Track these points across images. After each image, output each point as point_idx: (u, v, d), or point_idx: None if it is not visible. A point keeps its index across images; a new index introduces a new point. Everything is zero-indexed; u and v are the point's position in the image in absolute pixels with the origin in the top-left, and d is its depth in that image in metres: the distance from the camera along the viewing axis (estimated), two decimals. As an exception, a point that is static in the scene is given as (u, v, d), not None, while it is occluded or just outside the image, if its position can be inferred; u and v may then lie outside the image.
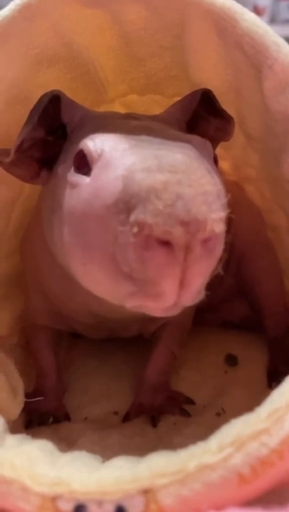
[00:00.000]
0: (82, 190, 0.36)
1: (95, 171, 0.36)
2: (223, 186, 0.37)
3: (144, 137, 0.37)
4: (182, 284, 0.33)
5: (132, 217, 0.32)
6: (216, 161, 0.41)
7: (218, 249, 0.34)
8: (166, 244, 0.31)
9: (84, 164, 0.37)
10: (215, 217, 0.32)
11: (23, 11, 0.41)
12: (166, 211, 0.31)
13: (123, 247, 0.32)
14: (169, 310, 0.35)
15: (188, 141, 0.37)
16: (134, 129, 0.38)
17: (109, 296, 0.36)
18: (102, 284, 0.36)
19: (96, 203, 0.35)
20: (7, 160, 0.41)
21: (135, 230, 0.31)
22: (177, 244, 0.31)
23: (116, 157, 0.35)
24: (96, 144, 0.37)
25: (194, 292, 0.34)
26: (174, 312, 0.35)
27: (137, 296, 0.34)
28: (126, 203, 0.32)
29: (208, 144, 0.40)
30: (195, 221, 0.31)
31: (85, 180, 0.37)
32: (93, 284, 0.37)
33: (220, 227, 0.32)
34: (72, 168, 0.38)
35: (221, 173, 0.60)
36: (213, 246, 0.33)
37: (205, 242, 0.32)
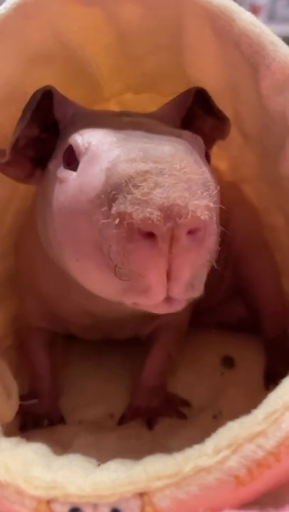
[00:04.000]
0: (69, 185, 0.37)
1: (81, 165, 0.36)
2: (214, 180, 0.36)
3: (133, 132, 0.37)
4: (170, 276, 0.32)
5: (114, 209, 0.32)
6: (208, 158, 0.41)
7: (209, 240, 0.33)
8: (149, 236, 0.31)
9: (73, 159, 0.37)
10: (199, 203, 0.31)
11: (19, 9, 0.41)
12: (143, 198, 0.31)
13: (107, 240, 0.32)
14: (166, 306, 0.34)
15: (178, 136, 0.37)
16: (125, 124, 0.38)
17: (104, 293, 0.36)
18: (96, 280, 0.36)
19: (81, 198, 0.35)
20: (3, 160, 0.41)
21: (117, 221, 0.31)
22: (160, 235, 0.30)
23: (102, 150, 0.35)
24: (84, 138, 0.37)
25: (184, 285, 0.33)
26: (174, 309, 0.35)
27: (128, 292, 0.33)
28: (108, 195, 0.32)
29: (200, 139, 0.40)
30: (175, 206, 0.30)
31: (72, 175, 0.37)
32: (87, 281, 0.37)
33: (206, 215, 0.31)
34: (62, 164, 0.38)
35: (217, 172, 0.60)
36: (201, 237, 0.32)
37: (192, 232, 0.31)
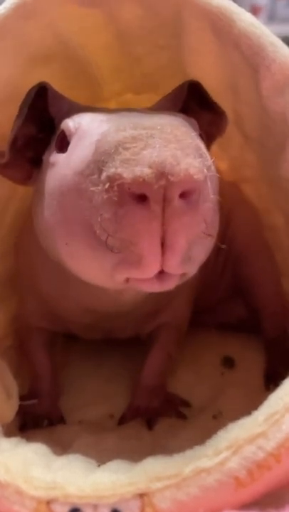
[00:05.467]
0: (60, 166, 0.36)
1: (71, 144, 0.36)
2: (209, 156, 0.35)
3: (125, 113, 0.37)
4: (165, 246, 0.31)
5: (104, 175, 0.31)
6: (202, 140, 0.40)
7: (204, 206, 0.32)
8: (141, 199, 0.30)
9: (65, 143, 0.37)
10: (192, 162, 0.30)
11: (18, 9, 0.41)
12: (134, 158, 0.30)
13: (98, 209, 0.31)
14: (158, 283, 0.33)
15: (172, 115, 0.37)
16: (117, 109, 0.38)
17: (96, 275, 0.35)
18: (86, 262, 0.34)
19: (70, 173, 0.34)
20: (3, 161, 0.41)
21: (107, 185, 0.30)
22: (152, 195, 0.29)
23: (92, 127, 0.35)
24: (74, 120, 0.37)
25: (180, 255, 0.32)
26: (167, 286, 0.33)
27: (120, 266, 0.32)
28: (97, 163, 0.32)
29: (194, 121, 0.39)
30: (167, 164, 0.29)
31: (62, 156, 0.36)
32: (78, 265, 0.36)
33: (199, 174, 0.30)
34: (55, 151, 0.38)
35: (216, 171, 0.60)
36: (195, 200, 0.31)
37: (185, 195, 0.30)
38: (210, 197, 0.32)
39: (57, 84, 0.43)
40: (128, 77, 0.51)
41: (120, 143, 0.31)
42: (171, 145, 0.30)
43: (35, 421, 0.49)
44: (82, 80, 0.50)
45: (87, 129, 0.35)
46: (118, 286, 0.35)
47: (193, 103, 0.45)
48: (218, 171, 0.59)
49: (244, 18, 0.40)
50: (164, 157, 0.29)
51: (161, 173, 0.29)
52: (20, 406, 0.47)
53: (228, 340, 0.63)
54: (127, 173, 0.29)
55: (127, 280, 0.34)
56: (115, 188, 0.30)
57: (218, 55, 0.44)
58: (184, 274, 0.34)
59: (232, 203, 0.59)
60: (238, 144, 0.54)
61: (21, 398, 0.48)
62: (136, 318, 0.53)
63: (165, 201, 0.29)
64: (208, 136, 0.46)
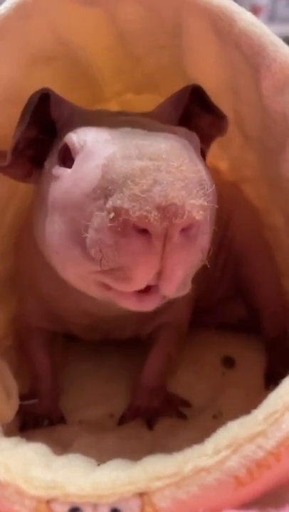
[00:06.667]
0: (63, 180, 0.37)
1: (76, 162, 0.37)
2: (209, 177, 0.36)
3: (128, 129, 0.37)
4: (163, 275, 0.32)
5: (110, 203, 0.32)
6: (203, 155, 0.41)
7: (202, 239, 0.33)
8: (143, 232, 0.31)
9: (68, 157, 0.38)
10: (194, 203, 0.31)
11: (19, 10, 0.41)
12: (142, 196, 0.31)
13: (98, 231, 0.32)
14: (136, 303, 0.34)
15: (173, 133, 0.37)
16: (120, 122, 0.38)
17: (81, 283, 0.37)
18: (71, 270, 0.37)
19: (75, 192, 0.35)
20: (4, 164, 0.41)
21: (112, 215, 0.31)
22: (155, 233, 0.31)
23: (98, 148, 0.35)
24: (79, 136, 0.37)
25: (176, 283, 0.33)
26: (144, 308, 0.35)
27: (103, 276, 0.34)
28: (104, 190, 0.32)
29: (195, 136, 0.40)
30: (172, 206, 0.30)
31: (66, 171, 0.37)
32: (65, 272, 0.38)
33: (200, 215, 0.31)
34: (58, 163, 0.39)
35: (217, 172, 0.60)
36: (194, 235, 0.32)
37: (185, 230, 0.31)
38: (207, 229, 0.34)
39: (57, 85, 0.43)
40: (129, 78, 0.51)
41: (129, 175, 0.31)
42: (178, 183, 0.31)
43: (36, 421, 0.49)
44: (83, 80, 0.50)
45: (93, 149, 0.36)
46: (98, 294, 0.36)
47: (195, 105, 0.45)
48: (218, 170, 0.60)
49: (245, 17, 0.40)
50: (172, 198, 0.30)
51: (166, 216, 0.30)
52: (20, 406, 0.47)
53: (228, 340, 0.63)
54: (134, 211, 0.30)
55: (108, 288, 0.35)
56: (120, 220, 0.31)
57: (218, 55, 0.44)
58: (164, 297, 0.36)
59: (232, 203, 0.59)
60: (238, 143, 0.54)
61: (21, 398, 0.48)
62: (135, 319, 0.53)
63: (166, 237, 0.31)
64: (208, 136, 0.47)
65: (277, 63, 0.40)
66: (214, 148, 0.49)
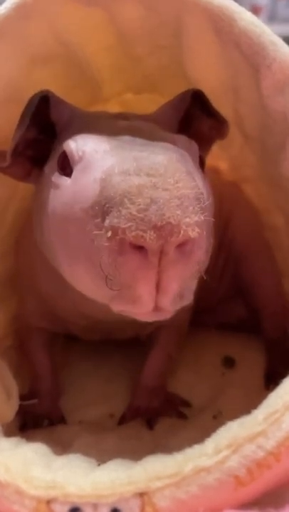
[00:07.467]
0: (63, 192, 0.37)
1: (75, 173, 0.37)
2: (207, 189, 0.37)
3: (127, 138, 0.37)
4: (159, 288, 0.33)
5: (107, 222, 0.32)
6: (202, 163, 0.41)
7: (197, 253, 0.34)
8: (139, 248, 0.31)
9: (67, 165, 0.38)
10: (189, 221, 0.32)
11: (18, 10, 0.41)
12: (139, 216, 0.31)
13: (99, 250, 0.33)
14: (154, 315, 0.35)
15: (173, 142, 0.38)
16: (120, 129, 0.39)
17: (95, 298, 0.37)
18: (87, 286, 0.37)
19: (75, 206, 0.35)
20: (4, 165, 0.42)
21: (109, 234, 0.32)
22: (151, 249, 0.31)
23: (96, 159, 0.36)
24: (78, 144, 0.38)
25: (172, 297, 0.34)
26: (163, 317, 0.35)
27: (117, 300, 0.34)
28: (102, 207, 0.33)
29: (194, 144, 0.40)
30: (168, 225, 0.31)
31: (66, 181, 0.37)
32: (79, 285, 0.38)
33: (195, 232, 0.32)
34: (56, 169, 0.39)
35: (217, 172, 0.60)
36: (189, 250, 0.32)
37: (180, 246, 0.32)
38: (204, 244, 0.34)
39: (57, 84, 0.43)
40: (129, 78, 0.51)
41: (126, 193, 0.32)
42: (174, 201, 0.31)
43: (36, 421, 0.49)
44: (83, 80, 0.50)
45: (91, 161, 0.36)
46: (114, 310, 0.36)
47: (195, 109, 0.45)
48: (218, 170, 0.59)
49: (245, 17, 0.40)
50: (167, 218, 0.31)
51: (162, 235, 0.31)
52: (20, 406, 0.47)
53: (228, 340, 0.63)
54: (130, 231, 0.31)
55: (123, 311, 0.35)
56: (117, 239, 0.31)
57: (218, 55, 0.44)
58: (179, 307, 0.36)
59: (232, 202, 0.59)
60: (238, 143, 0.54)
61: (21, 398, 0.48)
62: (135, 320, 0.53)
63: (162, 253, 0.31)
64: (209, 139, 0.47)
65: (277, 63, 0.40)
66: (214, 148, 0.49)
